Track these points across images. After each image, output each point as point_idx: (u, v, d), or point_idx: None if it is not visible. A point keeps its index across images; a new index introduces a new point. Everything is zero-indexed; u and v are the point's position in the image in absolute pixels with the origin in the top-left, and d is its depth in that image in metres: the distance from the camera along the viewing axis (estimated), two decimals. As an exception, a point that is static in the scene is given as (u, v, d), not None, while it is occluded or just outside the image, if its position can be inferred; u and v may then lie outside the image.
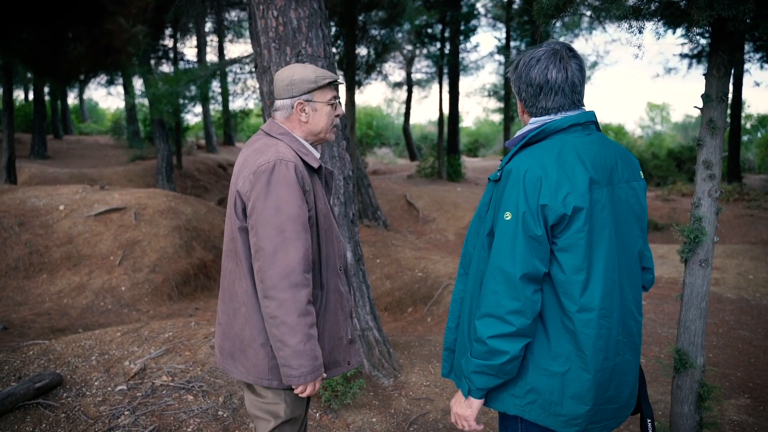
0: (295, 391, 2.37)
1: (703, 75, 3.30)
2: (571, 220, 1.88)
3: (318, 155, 2.54)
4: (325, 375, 2.44)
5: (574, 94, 2.01)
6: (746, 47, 15.62)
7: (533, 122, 2.06)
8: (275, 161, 2.30)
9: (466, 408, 2.05)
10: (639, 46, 3.20)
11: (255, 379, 2.43)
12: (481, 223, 2.08)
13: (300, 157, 2.41)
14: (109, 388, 4.30)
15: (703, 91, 3.27)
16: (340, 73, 13.53)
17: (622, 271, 1.99)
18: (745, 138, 27.93)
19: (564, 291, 1.91)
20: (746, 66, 16.32)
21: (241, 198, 2.35)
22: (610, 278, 1.94)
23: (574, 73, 1.99)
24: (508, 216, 1.89)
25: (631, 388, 2.07)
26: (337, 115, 2.55)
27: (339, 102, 2.57)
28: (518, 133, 2.09)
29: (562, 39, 20.06)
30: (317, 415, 4.16)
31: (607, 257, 1.93)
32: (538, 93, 2.01)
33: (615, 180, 1.99)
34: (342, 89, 14.03)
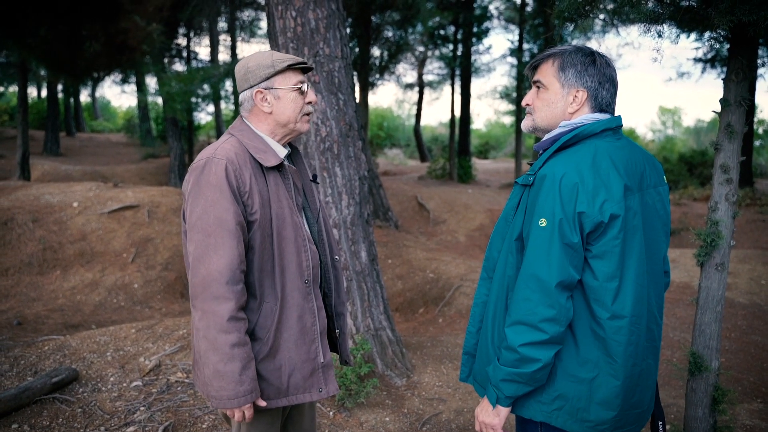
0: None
1: (722, 79, 3.30)
2: (607, 228, 1.86)
3: (283, 153, 2.30)
4: (264, 403, 2.20)
5: None
6: (760, 52, 15.56)
7: (564, 125, 2.04)
8: (207, 159, 2.12)
9: (493, 417, 2.01)
10: (658, 50, 3.21)
11: (204, 394, 2.22)
12: (508, 227, 2.05)
13: (251, 155, 2.21)
14: (124, 384, 4.34)
15: (716, 95, 3.31)
16: (354, 73, 13.57)
17: (649, 276, 1.99)
18: (757, 143, 27.80)
19: (595, 298, 1.90)
20: (760, 71, 16.24)
21: (185, 198, 2.18)
22: (640, 284, 1.93)
23: None
24: (543, 223, 1.86)
25: (651, 392, 2.07)
26: (309, 102, 2.31)
27: (308, 87, 2.32)
28: (548, 137, 2.07)
29: (574, 42, 20.02)
30: (331, 413, 4.19)
31: (638, 264, 1.92)
32: (615, 92, 2.06)
33: (644, 186, 1.99)
34: (356, 89, 14.06)
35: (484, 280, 2.15)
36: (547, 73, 2.06)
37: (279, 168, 2.28)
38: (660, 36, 3.18)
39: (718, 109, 3.30)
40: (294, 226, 2.23)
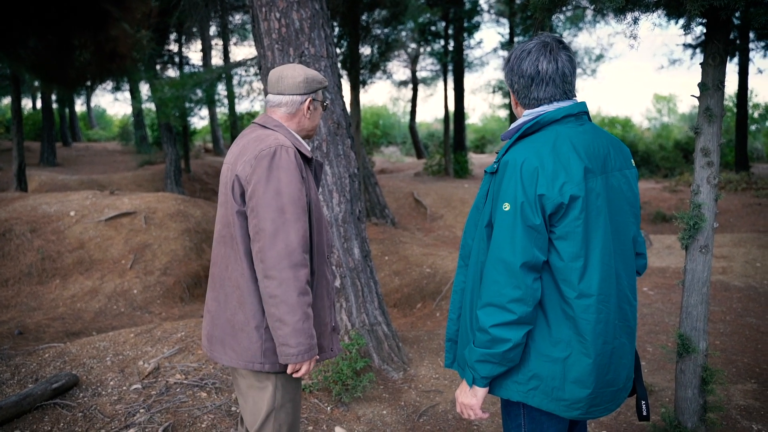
0: (288, 370, 2.41)
1: (700, 64, 3.35)
2: (568, 209, 1.92)
3: (309, 147, 2.65)
4: (317, 356, 2.50)
5: (565, 84, 2.06)
6: (751, 35, 15.56)
7: (527, 114, 2.10)
8: (276, 147, 2.40)
9: (471, 397, 2.08)
10: (634, 37, 3.25)
11: (246, 363, 2.48)
12: (479, 215, 2.12)
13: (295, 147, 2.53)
14: (124, 388, 4.39)
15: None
16: (343, 72, 13.60)
17: (617, 256, 2.04)
18: (752, 127, 27.75)
19: (563, 278, 1.96)
20: (751, 55, 16.24)
21: (240, 182, 2.42)
22: (606, 264, 1.98)
23: (565, 64, 2.04)
24: (506, 207, 1.93)
25: (627, 371, 2.12)
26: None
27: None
28: (513, 126, 2.13)
29: (565, 33, 20.06)
30: (329, 408, 4.24)
31: (603, 244, 1.98)
32: (530, 84, 2.06)
33: (608, 168, 2.04)
34: (346, 87, 14.10)
35: (461, 268, 2.21)
36: None
37: (309, 160, 2.64)
38: (636, 23, 3.23)
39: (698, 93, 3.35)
40: (320, 209, 2.61)
